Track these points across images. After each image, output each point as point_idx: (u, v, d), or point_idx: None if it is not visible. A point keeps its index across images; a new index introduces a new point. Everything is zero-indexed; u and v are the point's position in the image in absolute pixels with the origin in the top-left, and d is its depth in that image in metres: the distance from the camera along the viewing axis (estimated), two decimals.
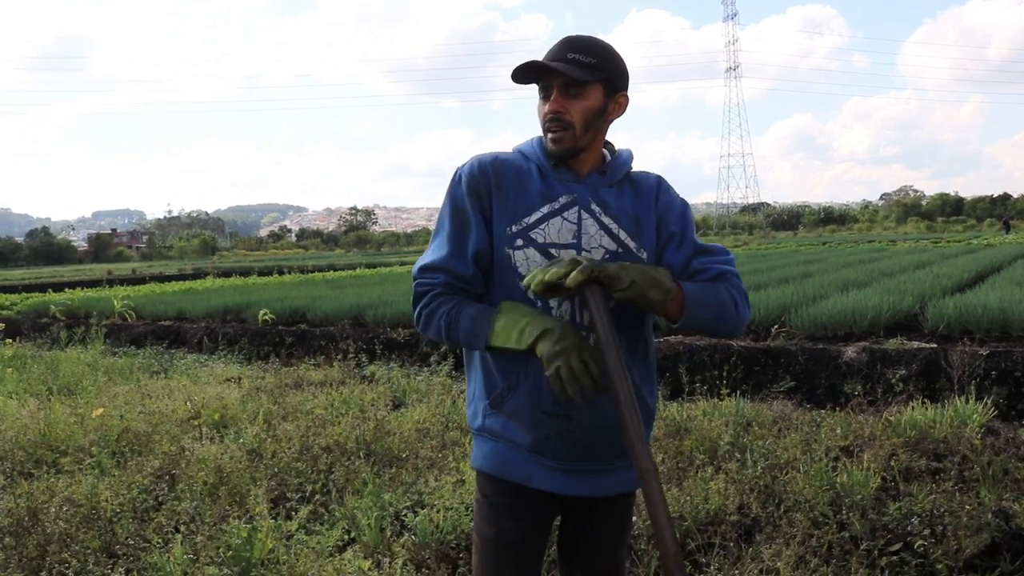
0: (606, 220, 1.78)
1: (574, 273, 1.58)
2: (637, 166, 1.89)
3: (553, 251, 1.74)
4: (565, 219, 1.76)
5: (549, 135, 1.75)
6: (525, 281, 1.68)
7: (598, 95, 1.75)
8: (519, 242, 1.75)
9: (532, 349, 1.66)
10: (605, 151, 1.85)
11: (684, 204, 1.88)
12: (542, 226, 1.75)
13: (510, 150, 1.87)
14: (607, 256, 1.76)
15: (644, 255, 1.80)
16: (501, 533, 1.84)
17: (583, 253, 1.75)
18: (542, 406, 1.76)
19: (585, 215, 1.77)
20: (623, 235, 1.79)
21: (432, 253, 1.82)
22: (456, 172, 1.82)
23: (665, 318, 1.74)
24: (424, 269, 1.81)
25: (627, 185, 1.84)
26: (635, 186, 1.85)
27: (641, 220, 1.82)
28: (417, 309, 1.82)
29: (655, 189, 1.86)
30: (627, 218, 1.80)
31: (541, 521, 1.88)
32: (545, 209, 1.76)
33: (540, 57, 1.75)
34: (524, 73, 1.73)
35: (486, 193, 1.77)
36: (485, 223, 1.77)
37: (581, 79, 1.71)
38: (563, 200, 1.77)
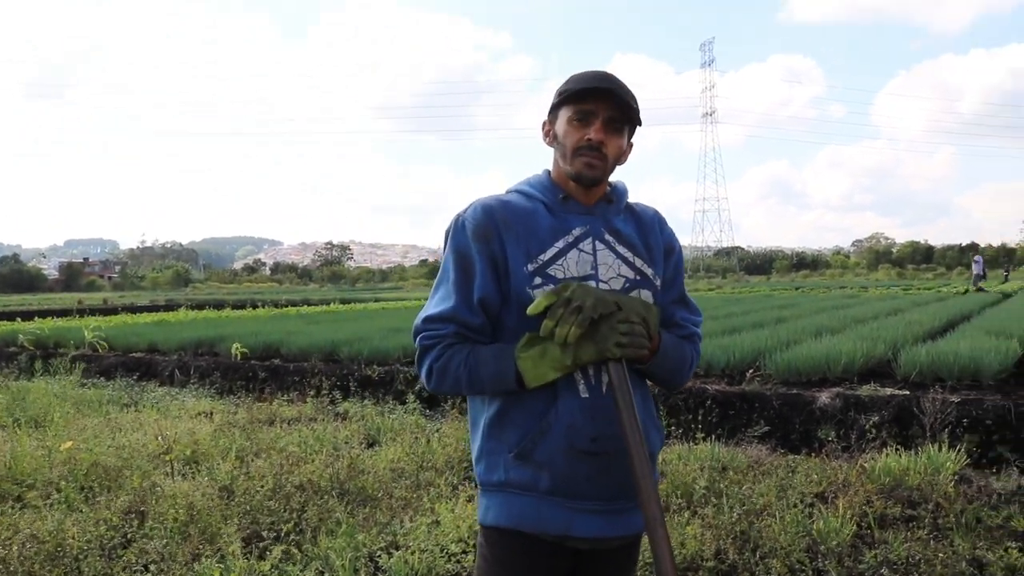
0: (621, 249, 1.77)
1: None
2: None
3: None
4: (581, 251, 1.73)
5: (582, 159, 1.71)
6: (530, 310, 1.63)
7: (626, 136, 1.77)
8: (537, 280, 1.69)
9: (581, 362, 1.63)
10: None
11: (679, 246, 1.93)
12: (559, 261, 1.71)
13: (504, 193, 1.84)
14: (627, 284, 1.75)
15: (658, 282, 1.82)
16: None
17: (601, 284, 1.72)
18: (579, 445, 1.66)
19: (600, 245, 1.75)
20: (639, 263, 1.79)
21: (438, 304, 1.74)
22: (458, 218, 1.76)
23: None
24: (429, 320, 1.73)
25: (629, 214, 1.85)
26: (636, 215, 1.86)
27: (652, 247, 1.83)
28: (426, 363, 1.72)
29: (657, 220, 1.89)
30: (639, 245, 1.80)
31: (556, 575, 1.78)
32: (560, 244, 1.72)
33: (564, 84, 1.76)
34: (585, 92, 1.69)
35: (495, 236, 1.70)
36: (495, 268, 1.71)
37: (637, 120, 1.74)
38: (576, 232, 1.74)
